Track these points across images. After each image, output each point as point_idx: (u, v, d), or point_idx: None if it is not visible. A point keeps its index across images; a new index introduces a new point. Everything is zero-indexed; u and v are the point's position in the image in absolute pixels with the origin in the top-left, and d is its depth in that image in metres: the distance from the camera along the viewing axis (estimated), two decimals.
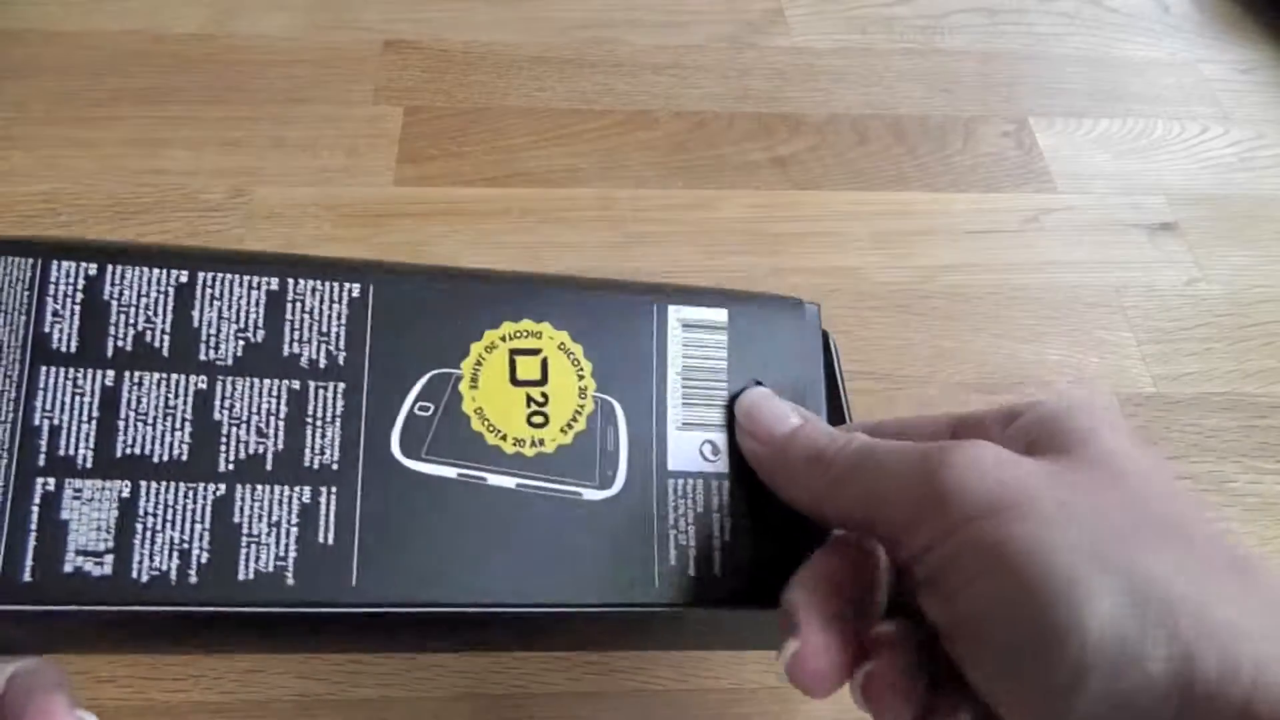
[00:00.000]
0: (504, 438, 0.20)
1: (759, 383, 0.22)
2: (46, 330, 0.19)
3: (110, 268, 0.19)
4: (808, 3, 0.53)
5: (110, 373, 0.19)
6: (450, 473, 0.20)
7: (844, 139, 0.47)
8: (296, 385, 0.20)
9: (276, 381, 0.20)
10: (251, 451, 0.19)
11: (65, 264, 0.19)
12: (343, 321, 0.20)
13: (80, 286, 0.19)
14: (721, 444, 0.22)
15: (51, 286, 0.19)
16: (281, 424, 0.20)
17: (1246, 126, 0.50)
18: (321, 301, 0.20)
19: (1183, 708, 0.14)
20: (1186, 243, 0.44)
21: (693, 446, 0.22)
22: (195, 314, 0.20)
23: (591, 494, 0.21)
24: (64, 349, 0.19)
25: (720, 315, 0.22)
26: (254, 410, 0.19)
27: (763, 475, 0.21)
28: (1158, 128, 0.49)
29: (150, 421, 0.19)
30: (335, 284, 0.20)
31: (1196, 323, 0.41)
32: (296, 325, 0.20)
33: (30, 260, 0.19)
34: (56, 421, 0.18)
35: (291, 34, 0.48)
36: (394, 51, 0.48)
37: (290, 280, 0.20)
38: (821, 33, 0.52)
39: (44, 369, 0.19)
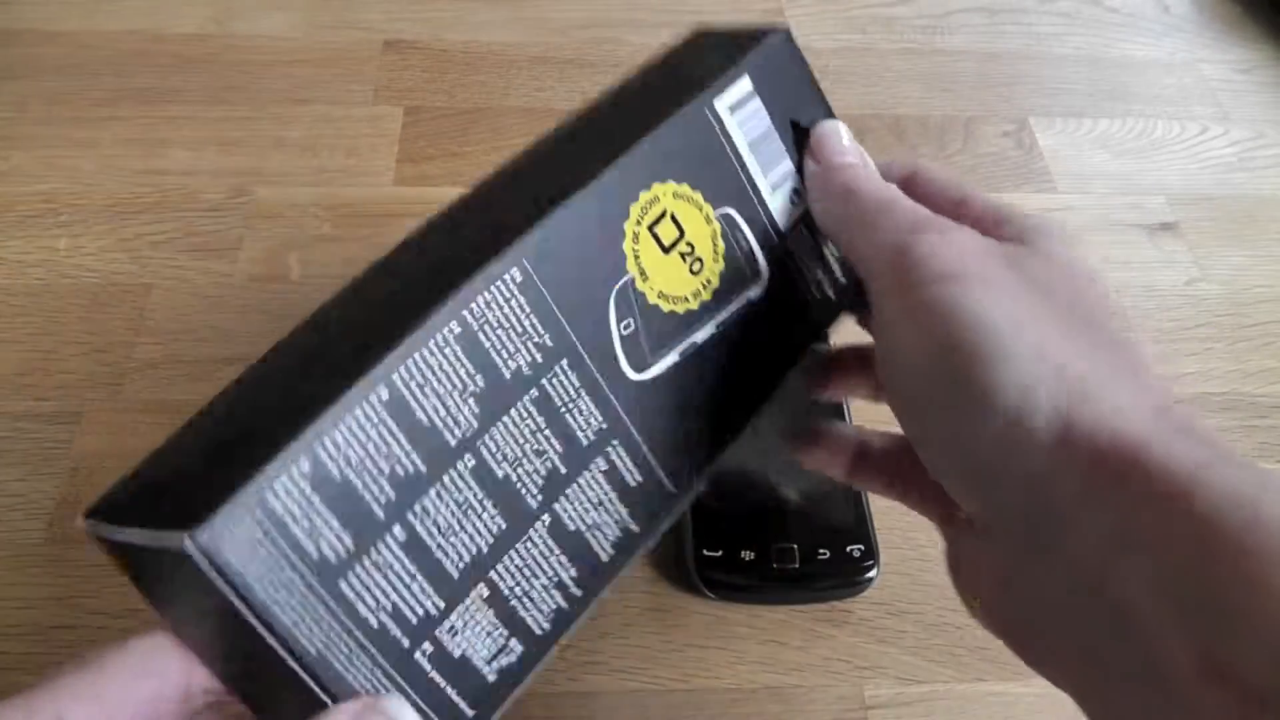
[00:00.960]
0: (686, 299, 0.22)
1: (796, 123, 0.25)
2: (317, 551, 0.17)
3: (319, 447, 0.17)
4: (808, 3, 0.53)
5: (395, 528, 0.18)
6: (674, 358, 0.22)
7: None
8: (535, 393, 0.20)
9: (519, 404, 0.19)
10: (544, 473, 0.20)
11: (280, 483, 0.16)
12: (527, 310, 0.20)
13: (305, 490, 0.16)
14: (797, 183, 0.25)
15: (287, 513, 0.16)
16: (547, 432, 0.20)
17: (1246, 126, 0.50)
18: (502, 308, 0.19)
19: (1055, 460, 0.18)
20: (1186, 243, 0.44)
21: (785, 201, 0.25)
22: (419, 412, 0.18)
23: (755, 291, 0.24)
24: (343, 551, 0.17)
25: (747, 84, 0.24)
26: (520, 442, 0.19)
27: (814, 198, 0.25)
28: (1158, 128, 0.49)
29: (458, 528, 0.18)
30: (500, 285, 0.19)
31: (1196, 323, 0.41)
32: (499, 346, 0.19)
33: (250, 512, 0.16)
34: (389, 604, 0.18)
35: (291, 34, 0.48)
36: (394, 51, 0.48)
37: (466, 312, 0.19)
38: (821, 33, 0.52)
39: (343, 583, 0.17)
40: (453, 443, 0.18)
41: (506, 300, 0.19)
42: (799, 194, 0.25)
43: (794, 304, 0.25)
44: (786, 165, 0.25)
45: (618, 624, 0.31)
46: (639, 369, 0.21)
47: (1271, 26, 0.55)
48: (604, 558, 0.21)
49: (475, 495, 0.19)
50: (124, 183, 0.41)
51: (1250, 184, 0.47)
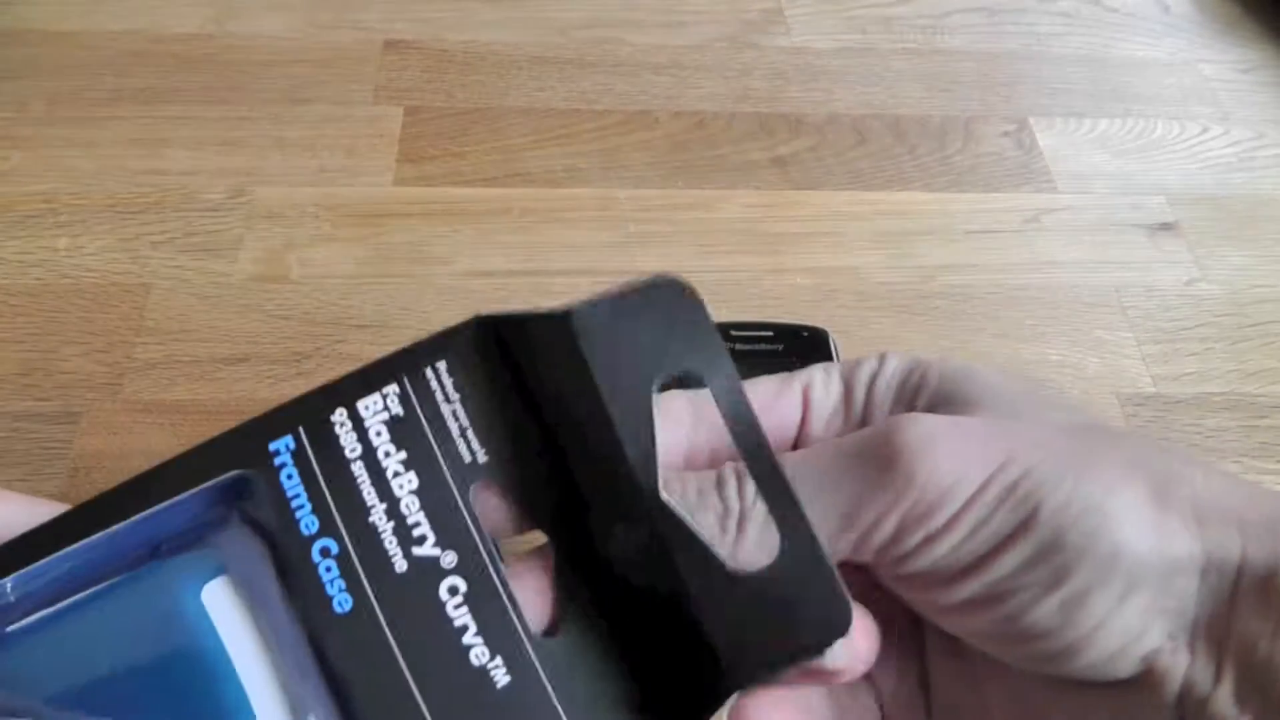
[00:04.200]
0: None
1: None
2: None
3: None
4: (808, 3, 0.53)
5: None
6: None
7: (844, 139, 0.47)
8: None
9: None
10: None
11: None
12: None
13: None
14: None
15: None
16: None
17: (1246, 126, 0.50)
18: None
19: (1215, 590, 0.15)
20: (1186, 243, 0.44)
21: None
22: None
23: None
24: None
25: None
26: None
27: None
28: (1158, 128, 0.49)
29: None
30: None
31: (1196, 323, 0.41)
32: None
33: None
34: None
35: (291, 34, 0.48)
36: (394, 51, 0.48)
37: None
38: (821, 33, 0.52)
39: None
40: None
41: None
42: None
43: None
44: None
45: None
46: None
47: (1271, 26, 0.55)
48: None
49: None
50: (124, 183, 0.41)
51: (1250, 184, 0.47)
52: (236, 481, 0.16)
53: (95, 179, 0.41)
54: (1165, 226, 0.45)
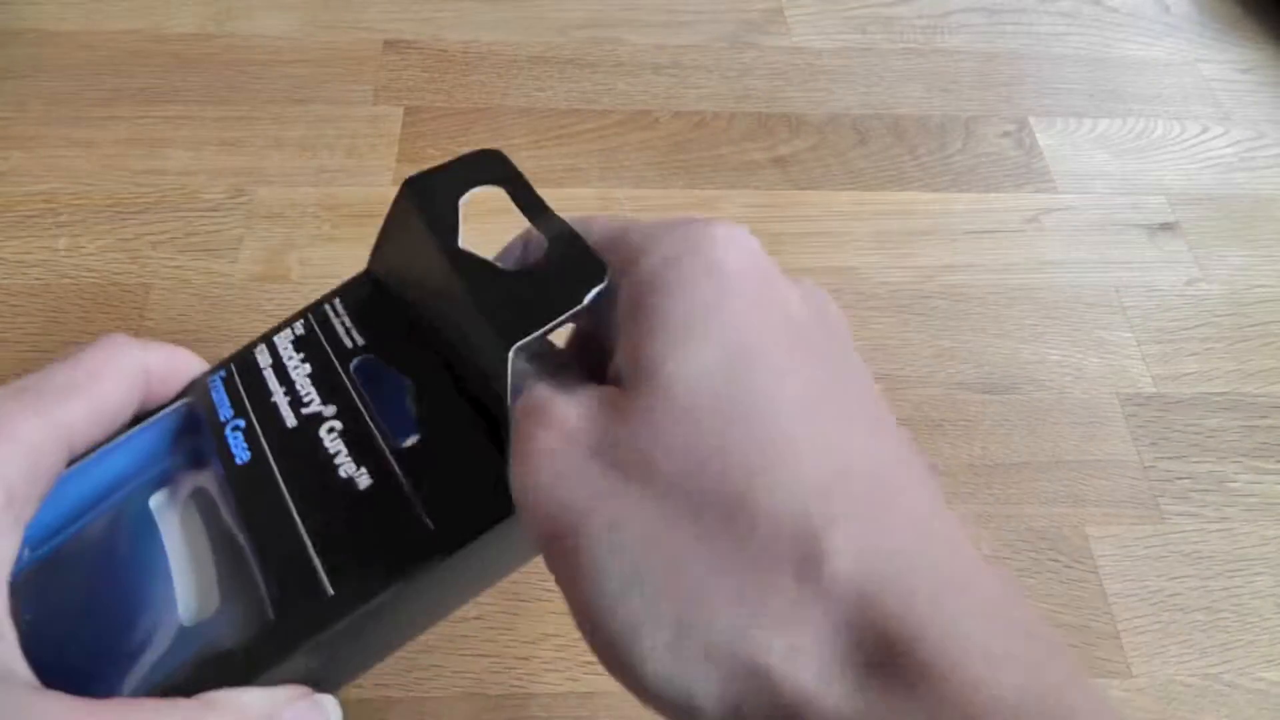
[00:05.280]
0: None
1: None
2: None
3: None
4: (808, 3, 0.53)
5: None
6: None
7: (844, 139, 0.47)
8: None
9: None
10: None
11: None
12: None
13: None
14: None
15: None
16: None
17: (1246, 126, 0.50)
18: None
19: None
20: (1186, 243, 0.44)
21: None
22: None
23: None
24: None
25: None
26: None
27: None
28: (1158, 128, 0.49)
29: None
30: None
31: (1196, 323, 0.41)
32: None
33: None
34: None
35: (291, 34, 0.48)
36: (394, 51, 0.48)
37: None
38: (821, 33, 0.52)
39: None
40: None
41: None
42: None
43: None
44: None
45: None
46: None
47: (1271, 26, 0.55)
48: None
49: None
50: (124, 183, 0.41)
51: (1250, 184, 0.47)
52: (188, 420, 0.21)
53: (95, 179, 0.41)
54: (1165, 226, 0.45)
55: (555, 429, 0.16)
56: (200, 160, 0.42)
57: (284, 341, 0.22)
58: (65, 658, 0.17)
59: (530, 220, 0.20)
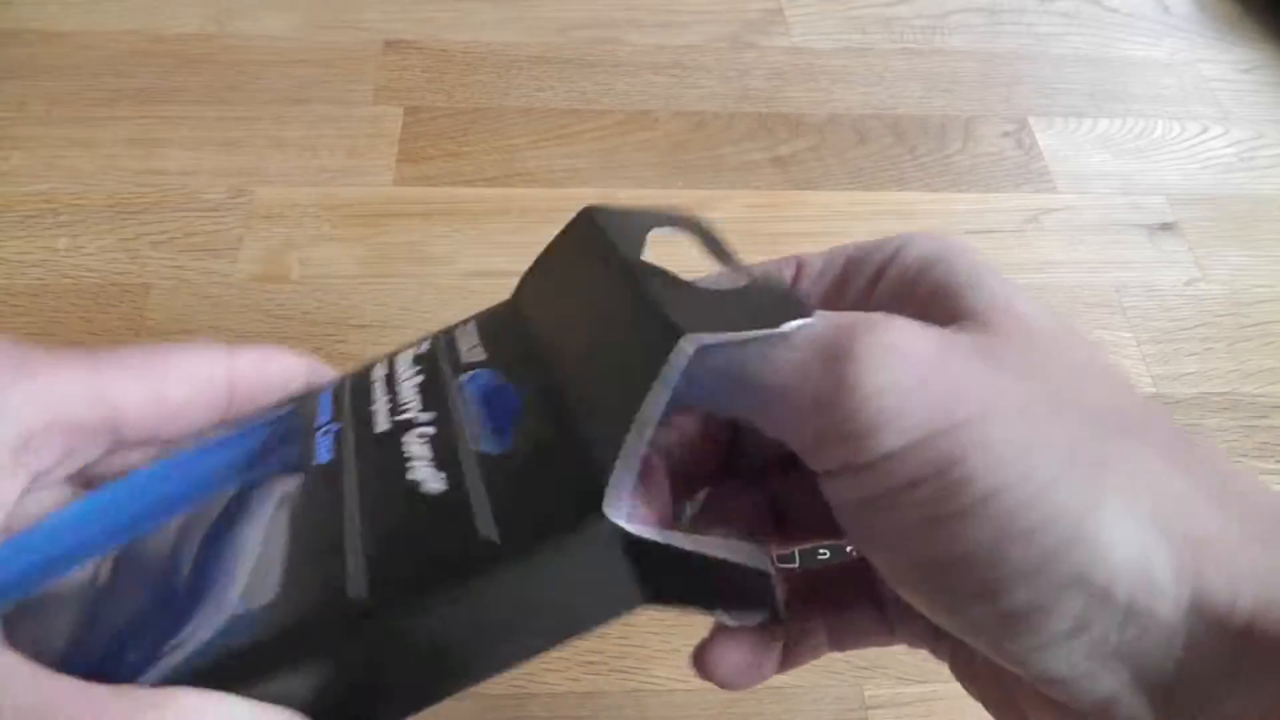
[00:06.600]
0: None
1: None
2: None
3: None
4: (808, 3, 0.53)
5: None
6: None
7: (844, 139, 0.47)
8: None
9: None
10: None
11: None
12: None
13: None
14: None
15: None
16: None
17: (1246, 126, 0.50)
18: None
19: (1190, 639, 0.13)
20: (1186, 243, 0.44)
21: None
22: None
23: None
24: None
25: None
26: None
27: None
28: (1158, 128, 0.49)
29: None
30: None
31: (1196, 323, 0.41)
32: None
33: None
34: None
35: (291, 34, 0.48)
36: (394, 51, 0.48)
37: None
38: (821, 33, 0.52)
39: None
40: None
41: None
42: None
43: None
44: None
45: (618, 624, 0.31)
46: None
47: (1271, 26, 0.55)
48: None
49: None
50: (124, 183, 0.41)
51: (1250, 184, 0.47)
52: (289, 428, 0.20)
53: (95, 179, 0.41)
54: (1165, 226, 0.45)
55: (930, 338, 0.14)
56: (200, 160, 0.42)
57: (405, 357, 0.21)
58: (110, 646, 0.16)
59: (723, 266, 0.18)
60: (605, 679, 0.30)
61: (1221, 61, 0.53)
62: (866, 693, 0.30)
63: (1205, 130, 0.49)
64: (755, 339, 0.15)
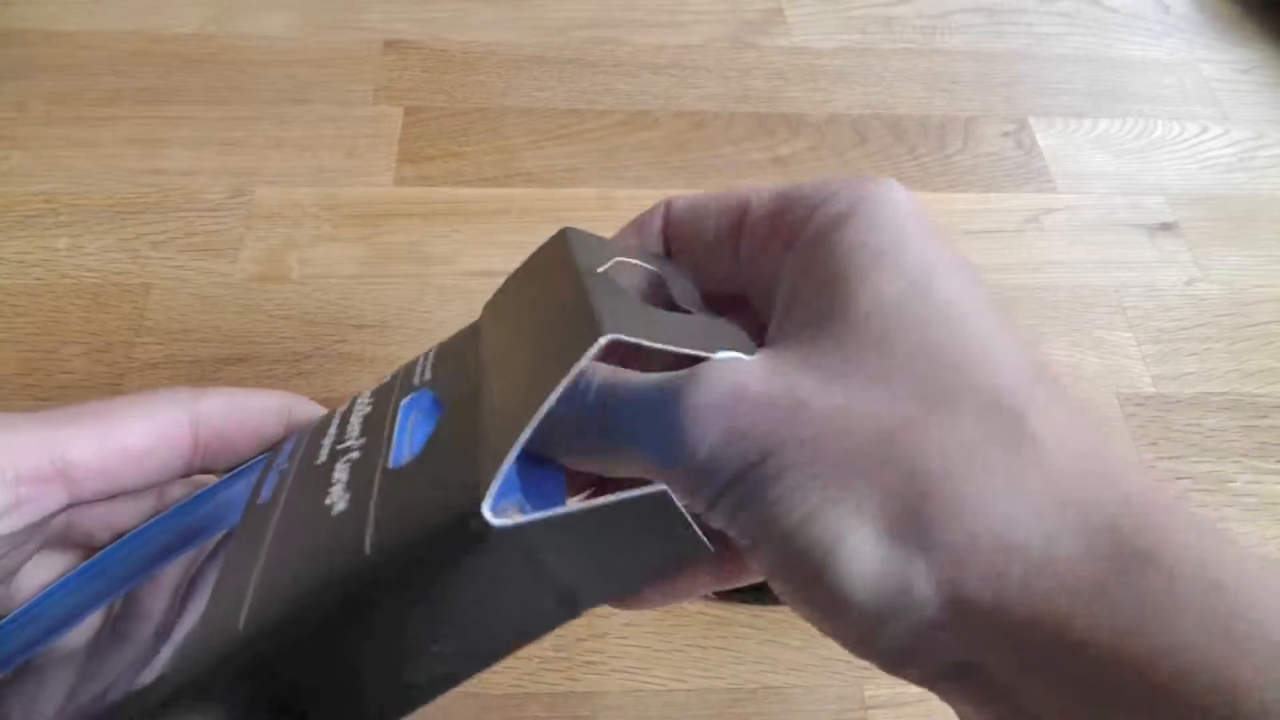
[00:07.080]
0: None
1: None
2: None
3: None
4: (808, 3, 0.53)
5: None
6: None
7: (844, 139, 0.47)
8: None
9: None
10: None
11: None
12: None
13: None
14: None
15: None
16: None
17: (1246, 126, 0.50)
18: None
19: (955, 624, 0.14)
20: (1186, 243, 0.44)
21: None
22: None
23: None
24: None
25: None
26: None
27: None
28: (1158, 128, 0.49)
29: None
30: None
31: (1196, 323, 0.41)
32: None
33: None
34: None
35: (291, 34, 0.48)
36: (394, 51, 0.48)
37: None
38: (821, 33, 0.52)
39: None
40: None
41: None
42: None
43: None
44: None
45: (618, 624, 0.31)
46: None
47: (1271, 26, 0.55)
48: None
49: None
50: (124, 183, 0.41)
51: (1250, 184, 0.47)
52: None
53: (95, 179, 0.41)
54: (1165, 226, 0.45)
55: (749, 378, 0.15)
56: (200, 160, 0.42)
57: (368, 391, 0.21)
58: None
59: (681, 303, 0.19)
60: (605, 679, 0.30)
61: (1221, 61, 0.53)
62: (866, 693, 0.30)
63: (1205, 130, 0.49)
64: (680, 354, 0.16)
